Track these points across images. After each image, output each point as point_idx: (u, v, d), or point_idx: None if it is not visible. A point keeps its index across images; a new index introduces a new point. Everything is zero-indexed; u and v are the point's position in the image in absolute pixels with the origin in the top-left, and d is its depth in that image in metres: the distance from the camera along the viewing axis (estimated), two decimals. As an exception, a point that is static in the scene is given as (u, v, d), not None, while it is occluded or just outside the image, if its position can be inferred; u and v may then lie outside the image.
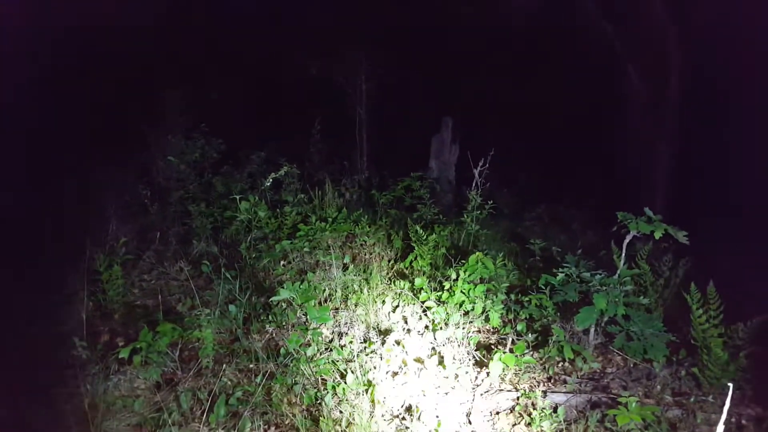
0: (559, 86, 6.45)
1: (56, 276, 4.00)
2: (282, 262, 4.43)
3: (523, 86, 6.66)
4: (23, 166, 4.26)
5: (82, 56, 4.86)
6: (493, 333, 3.54)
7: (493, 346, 3.39)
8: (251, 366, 3.29)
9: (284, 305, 3.76)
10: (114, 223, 4.60)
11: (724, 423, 1.10)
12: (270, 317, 3.72)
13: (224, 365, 3.23)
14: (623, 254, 3.26)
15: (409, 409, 2.91)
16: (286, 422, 2.83)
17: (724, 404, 1.10)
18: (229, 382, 3.13)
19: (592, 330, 3.23)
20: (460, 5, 6.35)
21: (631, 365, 3.13)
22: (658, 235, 3.07)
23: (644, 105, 5.46)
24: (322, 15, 6.34)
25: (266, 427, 2.77)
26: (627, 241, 3.20)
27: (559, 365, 3.18)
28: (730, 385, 1.04)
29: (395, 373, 3.20)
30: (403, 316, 3.76)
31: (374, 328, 3.64)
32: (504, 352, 3.12)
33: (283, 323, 3.66)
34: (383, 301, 3.90)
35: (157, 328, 3.30)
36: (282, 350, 3.34)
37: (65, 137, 4.84)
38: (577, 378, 3.06)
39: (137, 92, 5.53)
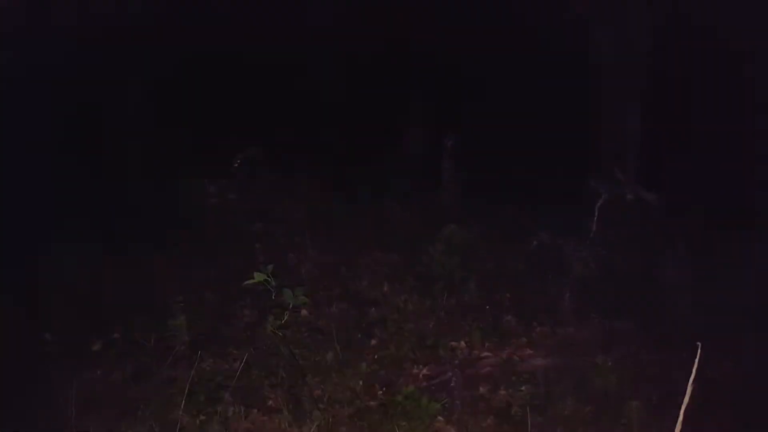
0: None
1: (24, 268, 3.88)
2: (257, 244, 4.37)
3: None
4: None
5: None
6: (472, 301, 3.56)
7: (472, 315, 3.41)
8: (230, 350, 3.26)
9: (260, 288, 3.71)
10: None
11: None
12: (247, 301, 3.68)
13: (200, 352, 3.19)
14: (596, 218, 3.29)
15: (390, 383, 2.92)
16: (269, 404, 2.82)
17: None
18: (208, 368, 3.10)
19: (567, 294, 3.27)
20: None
21: (607, 327, 3.18)
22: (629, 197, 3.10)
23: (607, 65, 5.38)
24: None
25: (248, 410, 2.75)
26: (599, 205, 3.22)
27: (537, 330, 3.22)
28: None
29: (375, 348, 3.20)
30: (382, 292, 3.76)
31: (353, 306, 3.63)
32: (482, 321, 3.15)
33: (263, 306, 3.62)
34: (360, 277, 3.89)
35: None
36: (262, 332, 3.30)
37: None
38: (555, 342, 3.10)
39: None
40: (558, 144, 4.62)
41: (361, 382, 2.90)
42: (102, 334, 3.27)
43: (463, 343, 3.13)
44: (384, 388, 2.88)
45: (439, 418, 2.62)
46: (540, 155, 4.66)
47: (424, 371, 2.99)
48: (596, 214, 3.26)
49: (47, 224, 4.09)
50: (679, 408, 1.13)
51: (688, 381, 1.11)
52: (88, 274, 3.88)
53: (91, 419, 2.70)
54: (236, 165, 4.65)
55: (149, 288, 3.78)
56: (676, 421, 1.13)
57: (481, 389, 2.80)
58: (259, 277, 3.31)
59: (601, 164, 4.33)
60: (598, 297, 3.21)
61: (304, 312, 3.58)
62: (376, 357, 3.11)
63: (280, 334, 3.21)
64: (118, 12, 5.30)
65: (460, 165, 4.77)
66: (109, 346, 3.22)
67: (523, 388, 2.75)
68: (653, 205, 3.14)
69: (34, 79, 4.61)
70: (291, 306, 3.37)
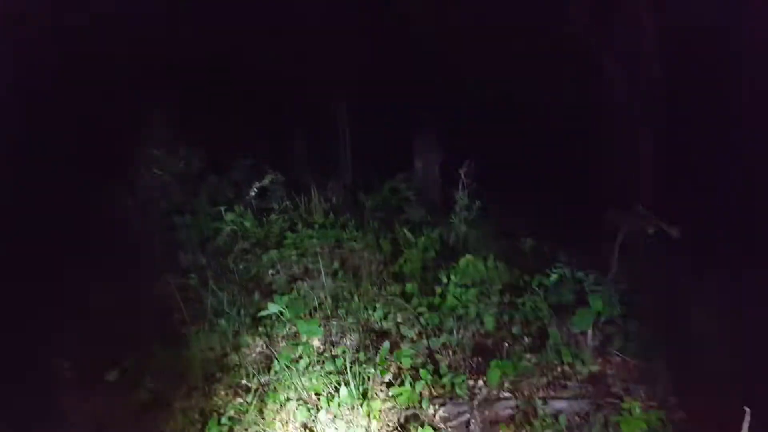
0: (539, 85, 6.35)
1: (40, 292, 3.88)
2: (270, 271, 4.34)
3: (504, 85, 6.54)
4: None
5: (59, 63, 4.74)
6: (488, 337, 3.48)
7: (489, 352, 3.32)
8: (243, 382, 3.20)
9: (274, 316, 3.67)
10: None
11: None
12: (260, 330, 3.63)
13: (215, 383, 3.14)
14: (616, 252, 3.22)
15: (405, 422, 2.84)
16: (281, 441, 2.76)
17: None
18: (221, 401, 3.04)
19: (590, 332, 3.18)
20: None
21: (632, 366, 3.09)
22: (651, 231, 3.03)
23: (623, 98, 5.38)
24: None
25: (260, 447, 2.69)
26: (619, 240, 3.16)
27: (558, 369, 3.12)
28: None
29: (389, 384, 3.13)
30: (396, 323, 3.69)
31: (367, 336, 3.56)
32: (500, 359, 3.06)
33: (274, 335, 3.58)
34: (374, 308, 3.82)
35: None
36: (274, 364, 3.25)
37: (43, 150, 4.72)
38: (577, 382, 3.01)
39: (115, 101, 5.40)
40: (577, 175, 4.57)
41: (375, 421, 2.82)
42: (117, 363, 3.24)
43: (481, 382, 3.04)
44: (399, 428, 2.81)
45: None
46: (558, 186, 4.60)
47: (441, 412, 2.90)
48: (616, 248, 3.19)
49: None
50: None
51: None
52: (107, 301, 3.87)
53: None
54: (252, 192, 4.63)
55: (165, 316, 3.75)
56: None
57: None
58: (273, 307, 3.29)
59: (621, 197, 4.26)
60: (621, 335, 3.12)
61: (316, 343, 3.53)
62: (390, 394, 3.03)
63: (294, 367, 3.17)
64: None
65: (475, 195, 4.71)
66: (124, 374, 3.18)
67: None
68: (675, 239, 3.06)
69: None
70: (305, 339, 3.35)
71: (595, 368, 3.10)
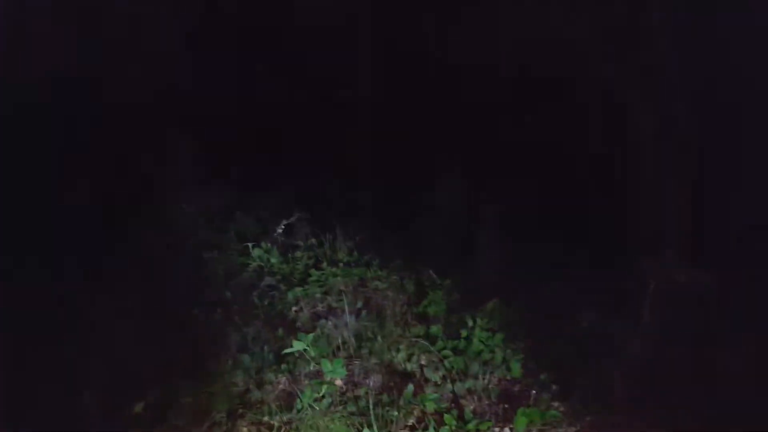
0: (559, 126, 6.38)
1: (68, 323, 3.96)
2: (294, 308, 4.36)
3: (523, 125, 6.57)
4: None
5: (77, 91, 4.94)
6: (515, 383, 3.42)
7: (515, 398, 3.27)
8: (265, 419, 3.19)
9: (298, 354, 3.67)
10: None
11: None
12: (283, 367, 3.62)
13: (237, 419, 3.13)
14: (648, 302, 3.17)
15: (429, 468, 2.80)
16: (302, 482, 2.72)
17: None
18: (243, 438, 3.04)
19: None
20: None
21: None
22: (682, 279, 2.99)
23: (650, 139, 5.35)
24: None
25: (282, 487, 2.66)
26: (651, 289, 3.12)
27: (587, 418, 3.05)
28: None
29: (413, 428, 3.08)
30: (420, 365, 3.65)
31: (390, 378, 3.53)
32: (527, 406, 3.01)
33: (297, 373, 3.57)
34: (398, 349, 3.80)
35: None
36: (296, 402, 3.24)
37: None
38: (606, 432, 2.93)
39: (143, 140, 5.60)
40: (607, 220, 4.54)
41: (399, 466, 2.78)
42: (142, 396, 3.26)
43: (507, 430, 2.99)
44: (423, 474, 2.76)
45: None
46: (587, 231, 4.58)
47: (466, 457, 2.85)
48: (648, 298, 3.15)
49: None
50: None
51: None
52: (133, 334, 3.92)
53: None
54: (279, 230, 4.71)
55: (190, 350, 3.79)
56: None
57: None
58: (298, 345, 3.30)
59: (652, 244, 4.23)
60: (653, 386, 3.04)
61: (339, 382, 3.51)
62: (414, 438, 2.99)
63: (317, 407, 3.16)
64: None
65: (501, 237, 4.71)
66: (149, 408, 3.20)
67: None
68: (708, 288, 3.01)
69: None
70: (329, 378, 3.34)
71: (623, 419, 3.02)
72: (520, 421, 2.86)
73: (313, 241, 5.18)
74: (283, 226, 4.69)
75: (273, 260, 4.57)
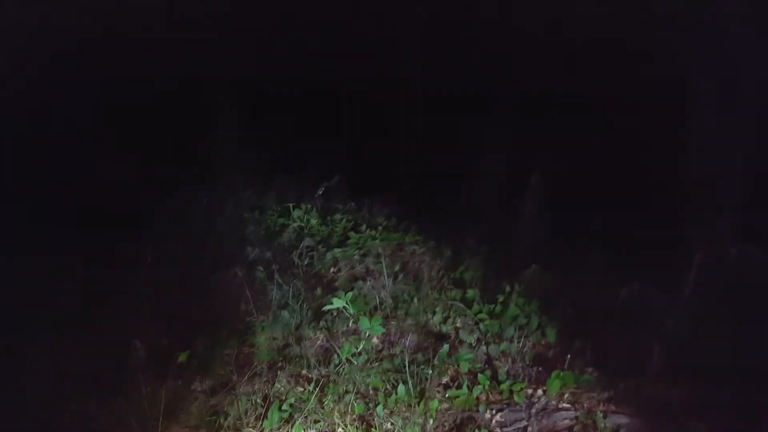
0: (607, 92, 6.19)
1: (115, 280, 4.16)
2: (333, 269, 4.45)
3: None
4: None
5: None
6: (550, 348, 3.44)
7: (549, 363, 3.29)
8: (304, 372, 3.30)
9: (335, 312, 3.77)
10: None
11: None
12: (322, 324, 3.73)
13: (278, 371, 3.26)
14: (693, 273, 3.11)
15: (461, 423, 2.86)
16: (338, 430, 2.82)
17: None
18: (282, 388, 3.15)
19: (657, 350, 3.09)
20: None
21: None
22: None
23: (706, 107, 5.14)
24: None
25: (319, 434, 2.78)
26: (698, 260, 3.05)
27: (622, 386, 3.05)
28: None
29: (447, 386, 3.15)
30: (455, 328, 3.70)
31: (425, 339, 3.60)
32: (562, 370, 3.03)
33: (335, 330, 3.67)
34: (434, 312, 3.85)
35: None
36: (334, 358, 3.34)
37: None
38: (641, 400, 2.93)
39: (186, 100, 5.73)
40: (656, 189, 4.42)
41: (431, 420, 2.85)
42: (188, 346, 3.42)
43: (540, 392, 3.02)
44: (455, 429, 2.83)
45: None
46: (635, 199, 4.46)
47: (498, 417, 2.90)
48: (694, 268, 3.08)
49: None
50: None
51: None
52: (180, 289, 4.10)
53: (173, 425, 2.83)
54: (320, 192, 4.78)
55: (233, 305, 3.93)
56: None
57: (558, 442, 2.69)
58: (337, 302, 3.39)
59: (703, 214, 4.11)
60: (692, 358, 3.01)
61: (375, 341, 3.59)
62: (447, 396, 3.05)
63: (354, 362, 3.25)
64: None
65: (544, 205, 4.66)
66: (194, 357, 3.35)
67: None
68: (759, 263, 2.92)
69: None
70: (367, 334, 3.42)
71: (660, 388, 3.01)
72: (554, 384, 2.89)
73: (353, 204, 5.24)
74: (323, 189, 4.75)
75: (313, 221, 4.66)
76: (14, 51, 4.44)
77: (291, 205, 4.72)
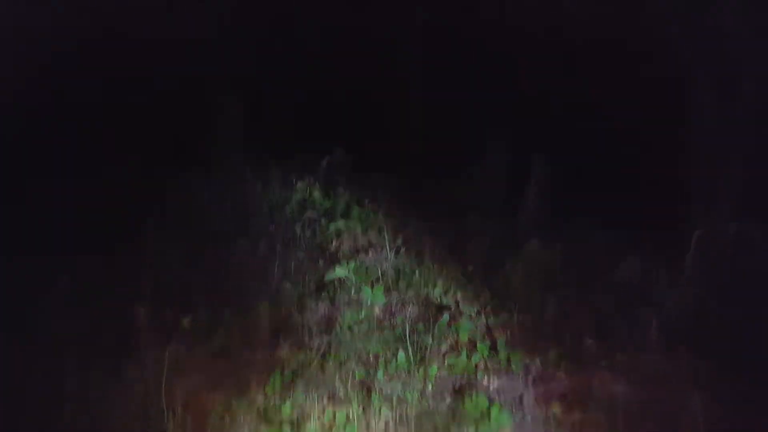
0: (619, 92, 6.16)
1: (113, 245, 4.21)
2: (335, 242, 4.49)
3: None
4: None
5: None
6: (549, 322, 3.48)
7: (548, 335, 3.33)
8: (305, 340, 3.36)
9: (337, 283, 3.82)
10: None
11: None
12: (323, 294, 3.78)
13: (280, 338, 3.31)
14: (692, 251, 3.11)
15: (460, 389, 2.92)
16: (339, 395, 2.88)
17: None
18: (284, 355, 3.21)
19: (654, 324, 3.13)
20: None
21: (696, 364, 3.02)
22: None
23: (712, 117, 5.12)
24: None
25: (319, 398, 2.83)
26: (696, 238, 3.05)
27: (619, 358, 3.10)
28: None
29: (446, 354, 3.20)
30: (456, 300, 3.75)
31: (426, 309, 3.64)
32: (560, 342, 3.08)
33: (336, 300, 3.72)
34: (435, 284, 3.89)
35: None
36: (336, 326, 3.39)
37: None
38: (639, 372, 2.97)
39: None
40: (656, 166, 4.42)
41: (430, 385, 2.91)
42: (191, 313, 3.47)
43: (538, 361, 3.07)
44: (454, 393, 2.89)
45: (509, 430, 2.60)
46: (635, 177, 4.47)
47: (495, 383, 2.96)
48: (693, 247, 3.10)
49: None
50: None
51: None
52: (183, 258, 4.14)
53: (176, 389, 2.89)
54: (323, 165, 4.80)
55: (236, 274, 3.98)
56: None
57: (554, 409, 2.74)
58: (340, 271, 3.43)
59: (703, 192, 4.12)
60: (689, 331, 3.04)
61: (377, 310, 3.64)
62: (446, 363, 3.11)
63: (356, 330, 3.31)
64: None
65: (547, 181, 4.68)
66: (196, 324, 3.41)
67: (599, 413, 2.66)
68: (759, 241, 2.94)
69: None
70: (369, 303, 3.47)
71: (656, 359, 3.06)
72: (552, 353, 2.94)
73: (356, 178, 5.25)
74: (326, 162, 4.77)
75: (315, 194, 4.68)
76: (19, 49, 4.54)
77: (294, 177, 4.73)
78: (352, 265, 3.52)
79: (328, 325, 3.48)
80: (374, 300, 3.34)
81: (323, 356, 3.15)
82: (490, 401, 2.69)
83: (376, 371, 2.98)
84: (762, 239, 3.38)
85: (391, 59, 6.26)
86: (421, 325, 3.41)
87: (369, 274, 3.90)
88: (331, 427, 2.63)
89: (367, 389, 2.90)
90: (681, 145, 4.74)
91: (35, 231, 3.98)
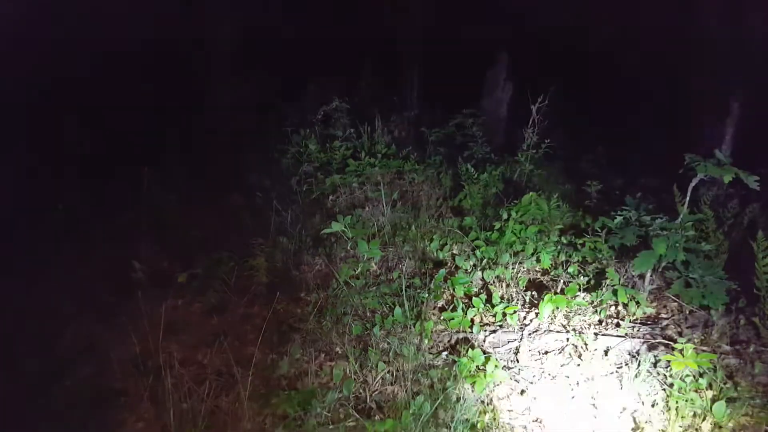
0: (623, 26, 6.00)
1: (117, 201, 4.19)
2: (331, 197, 4.45)
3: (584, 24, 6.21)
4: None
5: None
6: (544, 274, 3.49)
7: (543, 287, 3.34)
8: (302, 295, 3.37)
9: (333, 239, 3.80)
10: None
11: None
12: (320, 250, 3.77)
13: (277, 293, 3.31)
14: (687, 198, 3.10)
15: (455, 344, 2.94)
16: (336, 350, 2.91)
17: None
18: (281, 310, 3.23)
19: (648, 275, 3.13)
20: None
21: (688, 312, 3.04)
22: (727, 179, 2.88)
23: (718, 49, 5.01)
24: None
25: (317, 354, 2.86)
26: (693, 185, 3.03)
27: (612, 309, 3.11)
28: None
29: (442, 309, 3.22)
30: (452, 254, 3.74)
31: (422, 265, 3.64)
32: (554, 293, 3.08)
33: (333, 256, 3.71)
34: (431, 238, 3.88)
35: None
36: (332, 282, 3.39)
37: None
38: (630, 322, 3.00)
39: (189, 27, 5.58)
40: (655, 121, 4.36)
41: (426, 341, 2.93)
42: (187, 268, 3.47)
43: (533, 315, 3.08)
44: (449, 348, 2.91)
45: (504, 385, 2.64)
46: (633, 131, 4.42)
47: (491, 338, 2.98)
48: (688, 193, 3.06)
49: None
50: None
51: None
52: (180, 213, 4.12)
53: (172, 344, 2.92)
54: (319, 116, 4.70)
55: (232, 230, 3.96)
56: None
57: (549, 363, 2.77)
58: (336, 226, 3.40)
59: (702, 142, 4.06)
60: (681, 280, 3.04)
61: (373, 266, 3.64)
62: (442, 317, 3.12)
63: (352, 284, 3.31)
64: None
65: (543, 134, 4.61)
66: (193, 279, 3.41)
67: (592, 369, 2.70)
68: (753, 191, 2.91)
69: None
70: (365, 258, 3.46)
71: (650, 310, 3.08)
72: (546, 306, 2.94)
73: (352, 131, 5.17)
74: (321, 113, 4.67)
75: (311, 148, 4.60)
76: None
77: (289, 129, 4.64)
78: (347, 219, 3.47)
79: (325, 280, 3.49)
80: (370, 254, 3.32)
81: (320, 311, 3.16)
82: (486, 356, 2.71)
83: (372, 326, 2.99)
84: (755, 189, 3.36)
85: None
86: (417, 280, 3.41)
87: (366, 229, 3.88)
88: (328, 383, 2.66)
89: (363, 344, 2.92)
90: (685, 97, 4.65)
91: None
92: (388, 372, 2.69)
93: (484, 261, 3.59)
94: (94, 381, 2.72)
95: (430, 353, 2.86)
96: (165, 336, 2.79)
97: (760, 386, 2.53)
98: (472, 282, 3.40)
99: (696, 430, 2.34)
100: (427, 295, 3.23)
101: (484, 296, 3.23)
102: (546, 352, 2.83)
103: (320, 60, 6.55)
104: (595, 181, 4.17)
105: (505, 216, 3.78)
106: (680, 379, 2.50)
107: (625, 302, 3.07)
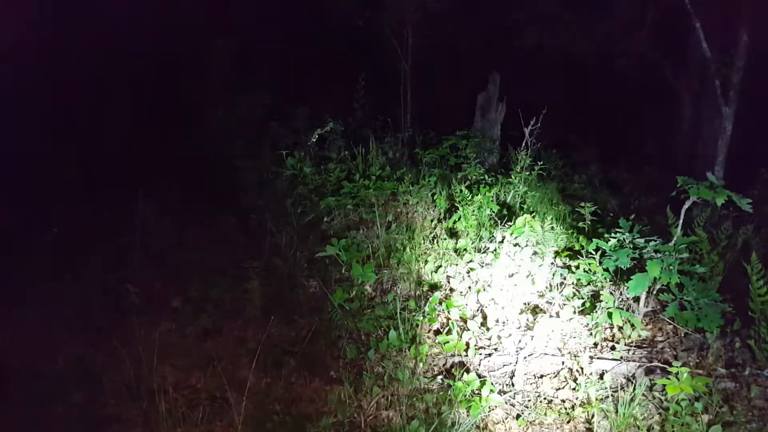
0: (617, 43, 6.12)
1: (111, 224, 4.18)
2: (326, 219, 4.45)
3: (577, 41, 6.33)
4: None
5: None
6: (539, 296, 3.48)
7: (538, 310, 3.34)
8: (297, 318, 3.35)
9: (328, 261, 3.79)
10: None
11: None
12: (315, 272, 3.75)
13: (271, 317, 3.29)
14: (681, 221, 3.12)
15: (451, 368, 2.92)
16: (330, 374, 2.88)
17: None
18: (275, 333, 3.20)
19: (643, 297, 3.14)
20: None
21: (683, 335, 3.04)
22: (720, 201, 2.91)
23: (709, 68, 5.12)
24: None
25: (311, 378, 2.83)
26: (686, 207, 3.05)
27: (607, 332, 3.11)
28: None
29: (437, 332, 3.21)
30: (447, 276, 3.74)
31: (417, 287, 3.64)
32: (549, 316, 3.08)
33: (327, 278, 3.70)
34: (426, 260, 3.88)
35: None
36: (327, 305, 3.38)
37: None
38: (626, 345, 2.99)
39: (179, 45, 5.64)
40: (649, 143, 4.42)
41: (422, 364, 2.92)
42: (181, 291, 3.45)
43: (528, 338, 3.08)
44: (445, 372, 2.89)
45: (499, 409, 2.62)
46: (626, 152, 4.47)
47: (486, 361, 2.96)
48: (682, 216, 3.09)
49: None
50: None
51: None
52: (173, 235, 4.11)
53: (166, 368, 2.88)
54: (314, 139, 4.72)
55: (226, 252, 3.95)
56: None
57: (544, 387, 2.75)
58: (330, 249, 3.40)
59: (695, 165, 4.11)
60: (676, 303, 3.05)
61: (368, 288, 3.63)
62: (437, 341, 3.11)
63: (347, 307, 3.30)
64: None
65: (537, 156, 4.66)
66: (187, 302, 3.39)
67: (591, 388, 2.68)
68: (746, 213, 2.94)
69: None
70: (359, 281, 3.45)
71: (645, 333, 3.08)
72: (542, 329, 2.94)
73: (346, 153, 5.19)
74: (316, 136, 4.69)
75: (306, 170, 4.61)
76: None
77: (284, 152, 4.65)
78: (342, 242, 3.47)
79: (319, 303, 3.47)
80: (365, 278, 3.31)
81: (314, 334, 3.14)
82: (481, 380, 2.69)
83: (367, 350, 2.97)
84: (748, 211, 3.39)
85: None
86: (412, 303, 3.40)
87: (360, 251, 3.87)
88: (322, 408, 2.63)
89: (358, 368, 2.90)
90: (678, 120, 4.72)
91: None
92: (383, 396, 2.67)
93: (480, 283, 3.59)
94: (87, 406, 2.67)
95: (425, 377, 2.84)
96: (159, 360, 2.76)
97: (756, 410, 2.52)
98: (467, 305, 3.39)
99: (693, 455, 2.33)
100: (422, 318, 3.22)
101: (479, 319, 3.22)
102: (541, 376, 2.82)
103: (314, 81, 6.64)
104: (589, 202, 4.19)
105: (499, 238, 3.79)
106: (676, 402, 2.48)
107: (620, 325, 3.07)
